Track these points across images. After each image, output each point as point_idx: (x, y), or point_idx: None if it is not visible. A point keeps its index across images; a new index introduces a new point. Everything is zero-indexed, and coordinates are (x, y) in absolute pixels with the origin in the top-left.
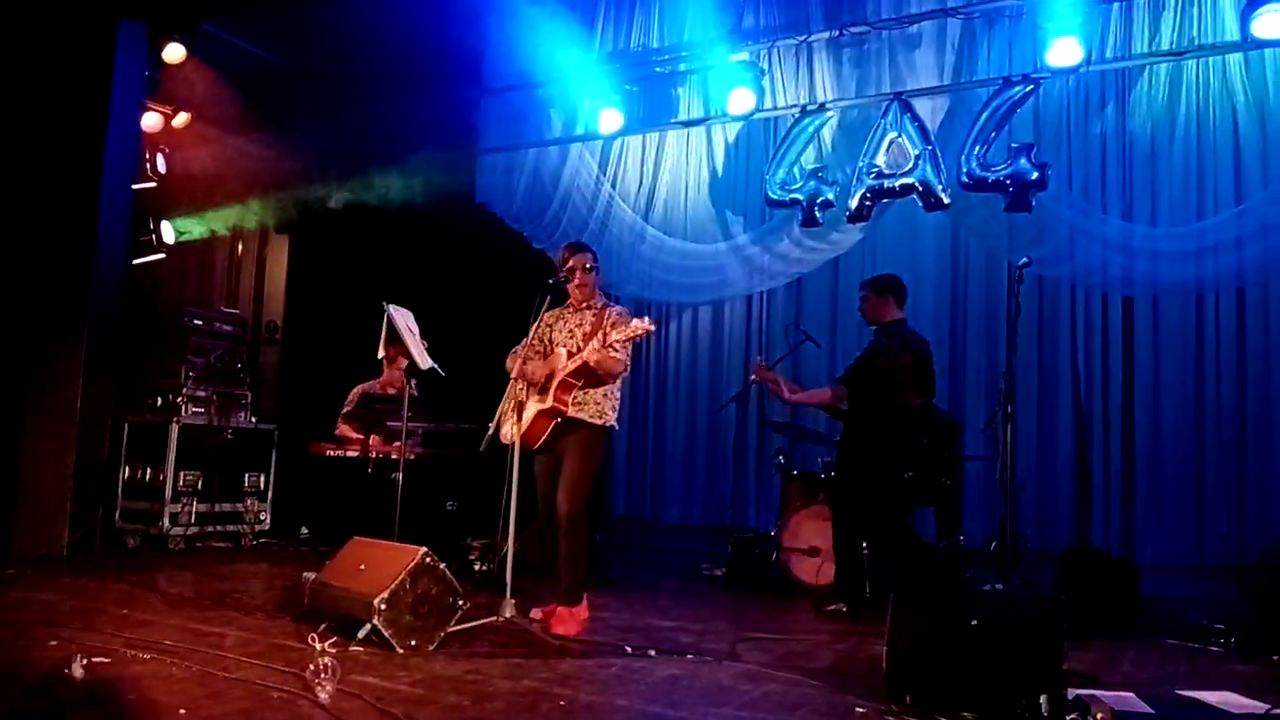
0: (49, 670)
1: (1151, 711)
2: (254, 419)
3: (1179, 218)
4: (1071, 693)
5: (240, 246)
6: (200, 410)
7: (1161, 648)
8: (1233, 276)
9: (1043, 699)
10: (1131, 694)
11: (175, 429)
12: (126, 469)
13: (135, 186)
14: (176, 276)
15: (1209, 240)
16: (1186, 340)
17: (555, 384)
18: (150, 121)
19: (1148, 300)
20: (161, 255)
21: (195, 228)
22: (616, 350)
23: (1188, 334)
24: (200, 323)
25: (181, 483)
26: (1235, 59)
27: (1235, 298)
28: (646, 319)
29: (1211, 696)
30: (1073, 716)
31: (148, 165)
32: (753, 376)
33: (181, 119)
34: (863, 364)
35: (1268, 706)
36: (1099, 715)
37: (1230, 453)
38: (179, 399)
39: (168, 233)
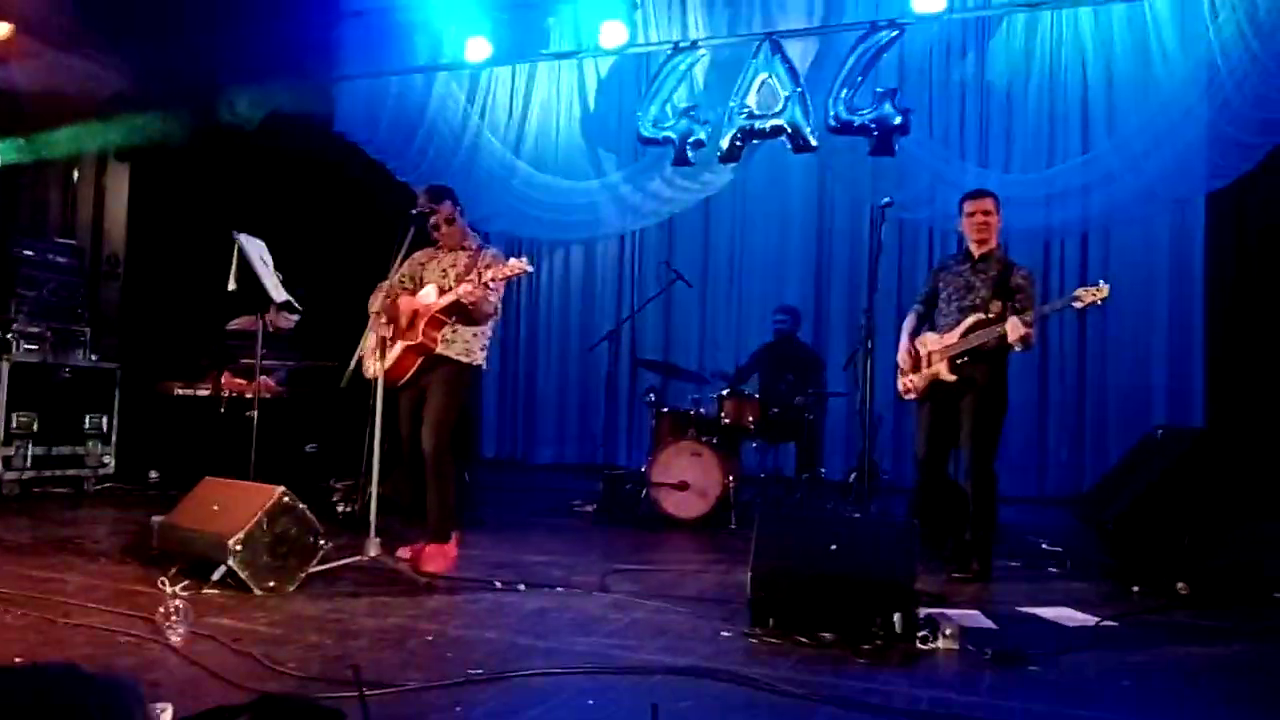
0: None
1: (995, 627)
2: (94, 357)
3: (1031, 165)
4: (923, 612)
5: (76, 174)
6: (34, 347)
7: (1005, 570)
8: (1078, 222)
9: (896, 618)
10: (978, 611)
11: (6, 367)
12: None
13: None
14: (4, 204)
15: (1057, 187)
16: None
17: (425, 320)
18: None
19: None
20: None
21: (22, 152)
22: (492, 288)
23: (1036, 277)
24: (31, 253)
25: (15, 424)
26: (1085, 12)
27: (1080, 242)
28: (524, 259)
29: (1048, 612)
30: (924, 633)
31: None
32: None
33: (2, 30)
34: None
35: (1097, 620)
36: (948, 631)
37: (1071, 389)
38: (9, 335)
39: None
